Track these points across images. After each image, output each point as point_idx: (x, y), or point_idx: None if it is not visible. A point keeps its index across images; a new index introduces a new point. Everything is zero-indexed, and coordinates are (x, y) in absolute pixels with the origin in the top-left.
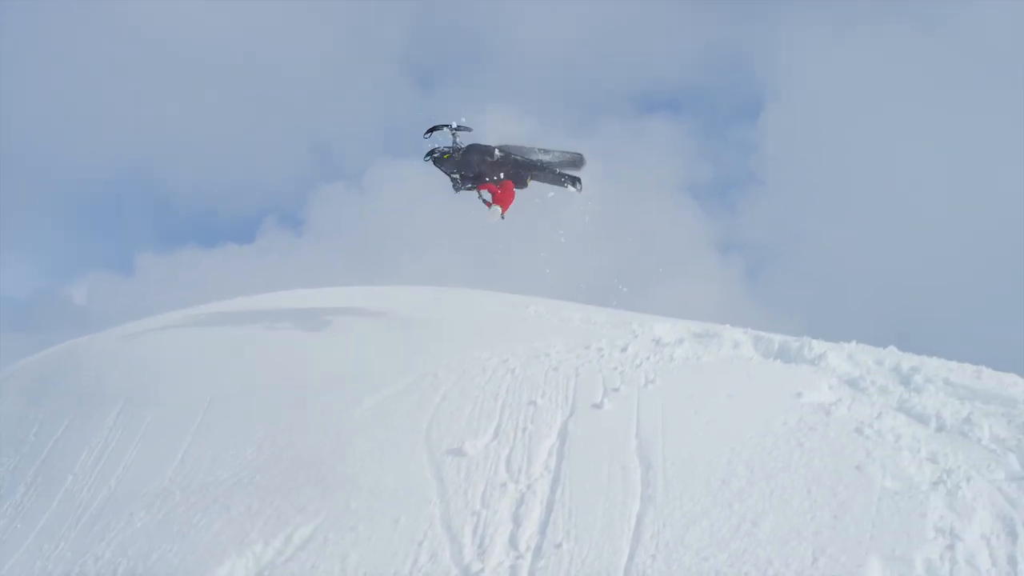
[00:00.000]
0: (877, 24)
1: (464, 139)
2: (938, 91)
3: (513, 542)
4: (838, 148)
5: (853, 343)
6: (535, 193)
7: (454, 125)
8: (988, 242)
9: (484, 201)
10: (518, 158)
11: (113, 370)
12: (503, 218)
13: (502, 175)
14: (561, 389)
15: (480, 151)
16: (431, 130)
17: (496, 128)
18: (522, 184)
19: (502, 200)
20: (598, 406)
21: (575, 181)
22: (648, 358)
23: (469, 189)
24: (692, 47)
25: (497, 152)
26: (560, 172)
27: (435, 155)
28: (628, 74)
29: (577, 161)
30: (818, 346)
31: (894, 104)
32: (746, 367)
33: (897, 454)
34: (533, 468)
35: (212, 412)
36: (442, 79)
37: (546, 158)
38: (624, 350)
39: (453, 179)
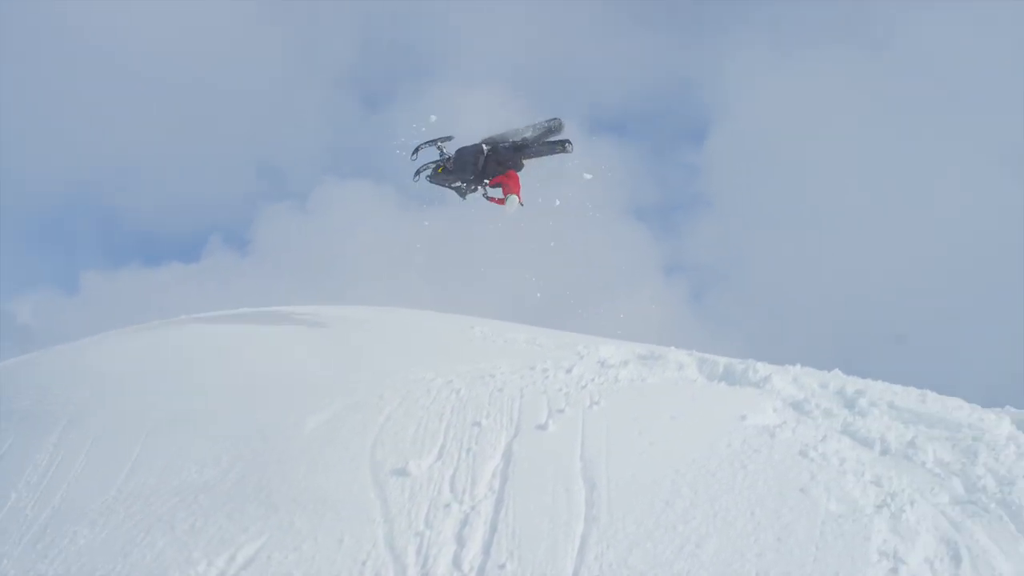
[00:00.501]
0: (822, 47)
1: (449, 147)
2: (883, 113)
3: (457, 563)
4: (783, 171)
5: (798, 366)
6: (489, 213)
7: (437, 139)
8: (933, 267)
9: (492, 199)
10: (506, 144)
11: (57, 388)
12: (522, 205)
13: (502, 168)
14: (506, 410)
15: (470, 151)
16: (416, 151)
17: (467, 125)
18: (519, 167)
19: (514, 188)
20: (543, 427)
21: (564, 143)
22: (593, 380)
23: (474, 191)
24: (640, 71)
25: (485, 147)
26: (547, 141)
27: (428, 172)
28: (575, 98)
29: (556, 126)
30: (763, 369)
31: (839, 126)
32: (691, 389)
33: (841, 477)
34: (477, 489)
35: (157, 430)
36: (387, 99)
37: (529, 134)
38: (569, 371)
39: (457, 188)
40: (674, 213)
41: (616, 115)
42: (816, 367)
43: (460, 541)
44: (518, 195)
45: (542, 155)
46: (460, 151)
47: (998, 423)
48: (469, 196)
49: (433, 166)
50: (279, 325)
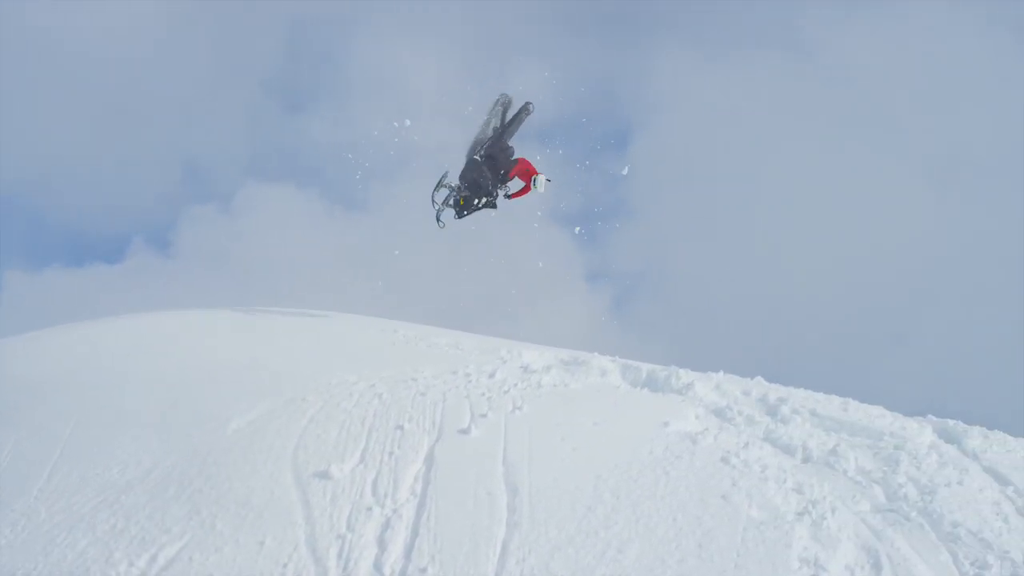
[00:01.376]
0: (748, 52)
1: (451, 179)
2: (807, 120)
3: (378, 566)
4: (707, 178)
5: (720, 373)
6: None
7: (440, 182)
8: (855, 275)
9: (516, 194)
10: (492, 143)
11: None
12: (549, 180)
13: (506, 161)
14: (428, 414)
15: (472, 169)
16: (435, 202)
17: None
18: (514, 152)
19: (532, 170)
20: (465, 432)
21: (526, 106)
22: (516, 385)
23: (505, 194)
24: (562, 77)
25: (477, 156)
26: (513, 117)
27: (455, 207)
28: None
29: (506, 101)
30: (685, 375)
31: (763, 133)
32: (613, 395)
33: (763, 484)
34: (399, 492)
35: (79, 431)
36: (311, 103)
37: (496, 121)
38: (492, 376)
39: (487, 204)
40: (597, 220)
41: (538, 119)
42: (739, 374)
43: (382, 544)
44: (539, 174)
45: (517, 129)
46: (464, 175)
47: (920, 432)
48: (501, 200)
49: (453, 201)
50: (202, 327)
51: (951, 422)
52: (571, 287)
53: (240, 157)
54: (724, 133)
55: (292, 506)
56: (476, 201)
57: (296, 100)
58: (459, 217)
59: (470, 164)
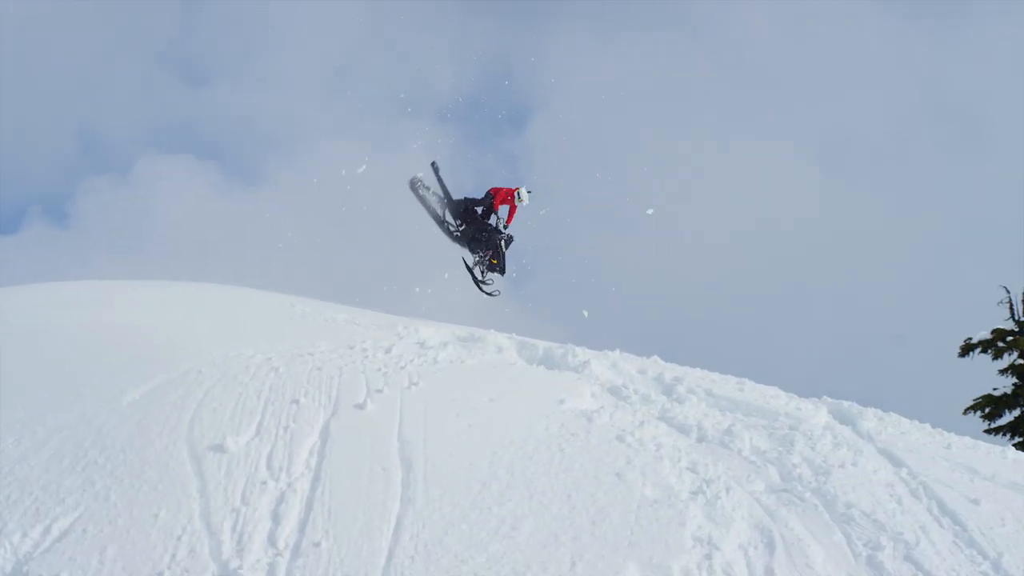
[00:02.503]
0: (644, 32)
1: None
2: (705, 99)
3: (272, 540)
4: (605, 157)
5: (617, 352)
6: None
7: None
8: (752, 255)
9: (509, 218)
10: (455, 211)
11: None
12: (530, 191)
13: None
14: (324, 389)
15: (471, 237)
16: (479, 275)
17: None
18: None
19: (509, 191)
20: (361, 407)
21: (434, 168)
22: (412, 360)
23: (500, 230)
24: (460, 56)
25: (460, 232)
26: (438, 181)
27: (495, 269)
28: (395, 79)
29: (420, 179)
30: (582, 353)
31: (660, 112)
32: (509, 372)
33: (658, 463)
34: (294, 466)
35: None
36: (212, 75)
37: (436, 195)
38: (388, 352)
39: (505, 241)
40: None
41: (437, 97)
42: (635, 353)
43: (276, 518)
44: (517, 189)
45: (445, 184)
46: (475, 246)
47: (815, 412)
48: (508, 233)
49: (483, 266)
50: (99, 298)
51: (846, 403)
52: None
53: (138, 129)
54: (620, 114)
55: (187, 479)
56: (495, 248)
57: (195, 72)
58: (503, 273)
59: (465, 235)
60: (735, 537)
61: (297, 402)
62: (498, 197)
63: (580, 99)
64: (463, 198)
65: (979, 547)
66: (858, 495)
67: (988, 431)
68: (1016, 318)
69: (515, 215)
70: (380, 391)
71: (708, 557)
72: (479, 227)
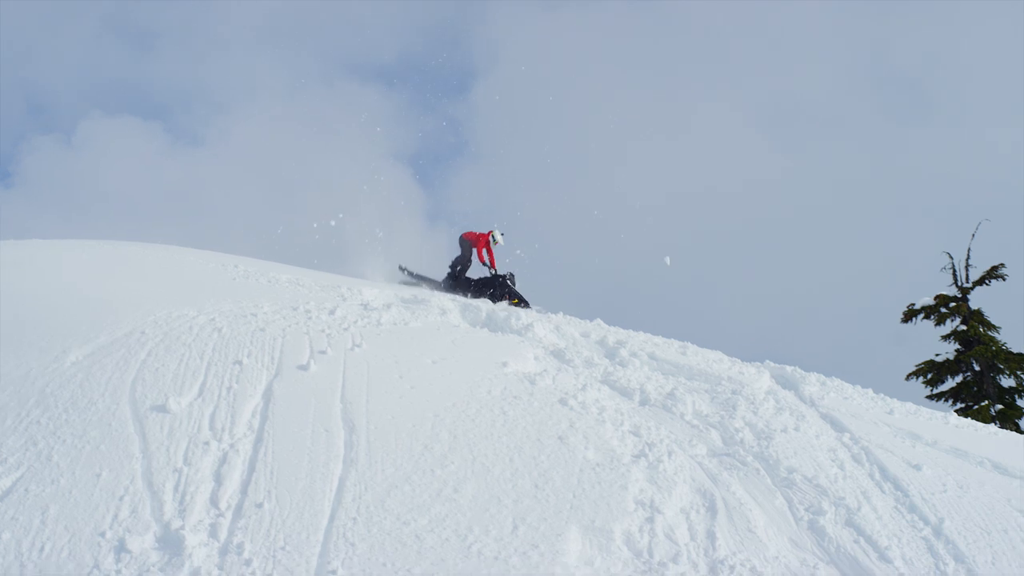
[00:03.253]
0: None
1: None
2: (649, 67)
3: (214, 500)
4: (547, 122)
5: (560, 315)
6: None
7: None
8: (697, 220)
9: (492, 263)
10: (453, 285)
11: None
12: (503, 233)
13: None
14: (267, 350)
15: (486, 289)
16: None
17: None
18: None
19: (482, 237)
20: (304, 368)
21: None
22: (355, 322)
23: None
24: (405, 20)
25: (469, 294)
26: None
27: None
28: (341, 43)
29: (407, 269)
30: (525, 316)
31: (603, 79)
32: (453, 335)
33: (600, 426)
34: (237, 427)
35: None
36: (158, 36)
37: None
38: (332, 313)
39: (507, 276)
40: (439, 162)
41: (383, 62)
42: (578, 316)
43: (218, 479)
44: (489, 233)
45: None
46: (492, 298)
47: (758, 377)
48: (508, 273)
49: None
50: (42, 258)
51: (789, 368)
52: (413, 227)
53: (83, 90)
54: (563, 80)
55: (129, 439)
56: (513, 290)
57: (141, 34)
58: (529, 306)
59: (478, 295)
60: (677, 501)
61: (240, 363)
62: (477, 247)
63: (523, 65)
64: (448, 272)
65: (920, 512)
66: (800, 460)
67: (930, 397)
68: (959, 284)
69: (494, 254)
70: (323, 352)
71: (650, 520)
72: (482, 285)
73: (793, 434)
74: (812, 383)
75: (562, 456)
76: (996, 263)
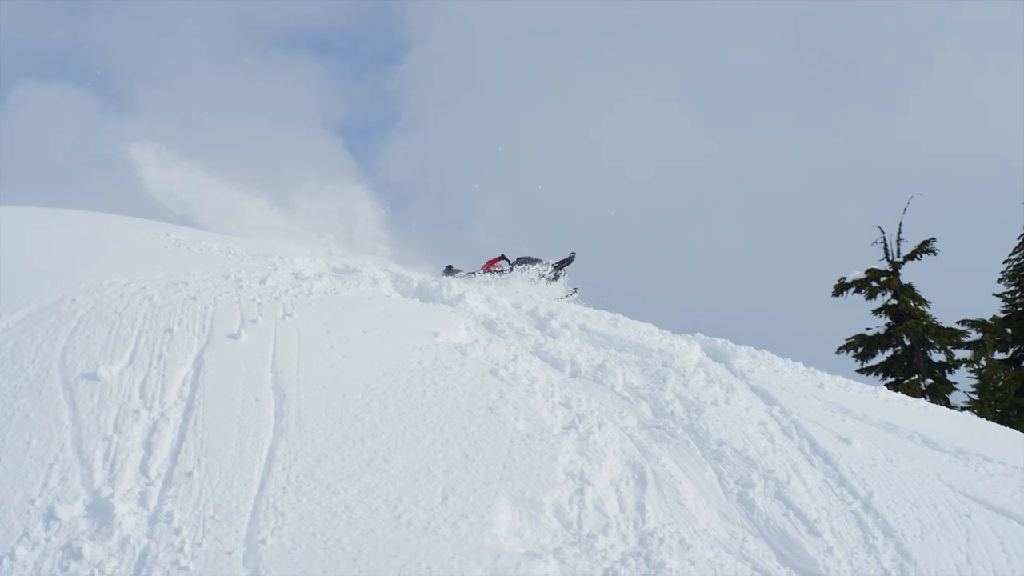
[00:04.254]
0: None
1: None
2: (579, 40)
3: (144, 468)
4: (477, 95)
5: (492, 285)
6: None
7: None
8: (625, 191)
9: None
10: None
11: None
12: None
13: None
14: (198, 318)
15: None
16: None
17: None
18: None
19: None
20: (235, 336)
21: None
22: (287, 291)
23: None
24: None
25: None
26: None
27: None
28: (271, 11)
29: (450, 269)
30: (456, 287)
31: (531, 54)
32: (384, 304)
33: (531, 397)
34: (167, 396)
35: None
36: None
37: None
38: (263, 282)
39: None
40: (372, 131)
41: (316, 32)
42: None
43: (148, 447)
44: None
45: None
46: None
47: (688, 349)
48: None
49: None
50: None
51: (720, 341)
52: (344, 196)
53: (15, 56)
54: (493, 54)
55: (59, 407)
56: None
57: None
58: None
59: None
60: (607, 473)
61: (171, 331)
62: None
63: (453, 38)
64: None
65: (850, 486)
66: (730, 432)
67: (860, 371)
68: (890, 258)
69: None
70: (254, 321)
71: (580, 492)
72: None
73: (723, 407)
74: (743, 356)
75: (492, 427)
76: (927, 237)
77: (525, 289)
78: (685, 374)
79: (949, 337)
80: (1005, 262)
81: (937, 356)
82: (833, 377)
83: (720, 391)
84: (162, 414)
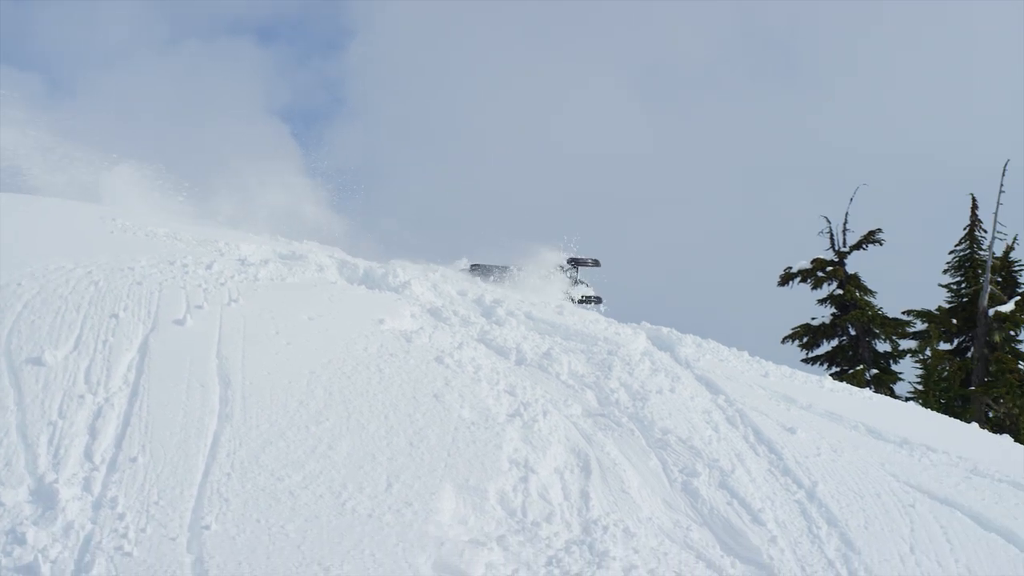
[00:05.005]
0: None
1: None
2: (520, 26)
3: (88, 454)
4: (425, 80)
5: (438, 273)
6: None
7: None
8: (568, 178)
9: None
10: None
11: None
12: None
13: None
14: (144, 303)
15: None
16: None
17: None
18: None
19: None
20: (180, 322)
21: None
22: (232, 277)
23: None
24: None
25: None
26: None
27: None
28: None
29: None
30: (403, 273)
31: (477, 43)
32: (330, 291)
33: (476, 385)
34: (112, 381)
35: None
36: None
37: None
38: (209, 268)
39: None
40: (317, 119)
41: (260, 16)
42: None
43: (93, 432)
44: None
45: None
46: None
47: (634, 338)
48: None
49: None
50: None
51: (665, 329)
52: (289, 183)
53: None
54: (438, 42)
55: (4, 391)
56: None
57: None
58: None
59: None
60: (551, 460)
61: (116, 316)
62: None
63: (398, 26)
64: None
65: (794, 476)
66: (675, 421)
67: (806, 360)
68: (836, 248)
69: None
70: (200, 307)
71: (524, 480)
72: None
73: (668, 395)
74: (688, 345)
75: (437, 414)
76: (873, 228)
77: (536, 285)
78: (630, 363)
79: (894, 327)
80: (951, 252)
81: (882, 346)
82: (778, 366)
83: (665, 380)
84: (107, 399)
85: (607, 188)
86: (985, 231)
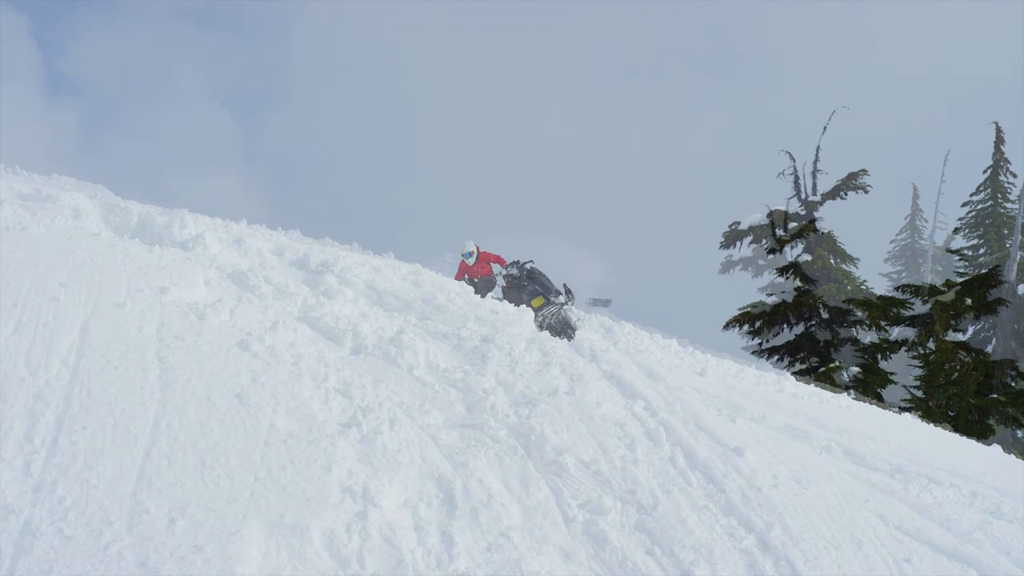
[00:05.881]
0: None
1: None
2: (463, 11)
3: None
4: (366, 67)
5: (243, 223)
6: None
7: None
8: (517, 166)
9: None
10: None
11: None
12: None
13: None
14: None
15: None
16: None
17: None
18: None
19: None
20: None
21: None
22: None
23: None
24: None
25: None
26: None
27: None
28: None
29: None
30: (194, 224)
31: (416, 33)
32: (90, 246)
33: (295, 382)
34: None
35: None
36: None
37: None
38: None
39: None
40: (259, 104)
41: (204, 2)
42: (268, 227)
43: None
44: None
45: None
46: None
47: (518, 318)
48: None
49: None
50: None
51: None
52: (230, 166)
53: None
54: (380, 27)
55: None
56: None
57: None
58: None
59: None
60: (400, 490)
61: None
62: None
63: (341, 11)
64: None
65: (741, 515)
66: (574, 436)
67: (757, 353)
68: (803, 196)
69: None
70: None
71: (362, 516)
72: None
73: (565, 400)
74: (591, 327)
75: (241, 422)
76: (855, 170)
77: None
78: (513, 353)
79: (883, 309)
80: (892, 242)
81: (867, 335)
82: (720, 360)
83: (561, 378)
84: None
85: (550, 171)
86: (926, 220)
